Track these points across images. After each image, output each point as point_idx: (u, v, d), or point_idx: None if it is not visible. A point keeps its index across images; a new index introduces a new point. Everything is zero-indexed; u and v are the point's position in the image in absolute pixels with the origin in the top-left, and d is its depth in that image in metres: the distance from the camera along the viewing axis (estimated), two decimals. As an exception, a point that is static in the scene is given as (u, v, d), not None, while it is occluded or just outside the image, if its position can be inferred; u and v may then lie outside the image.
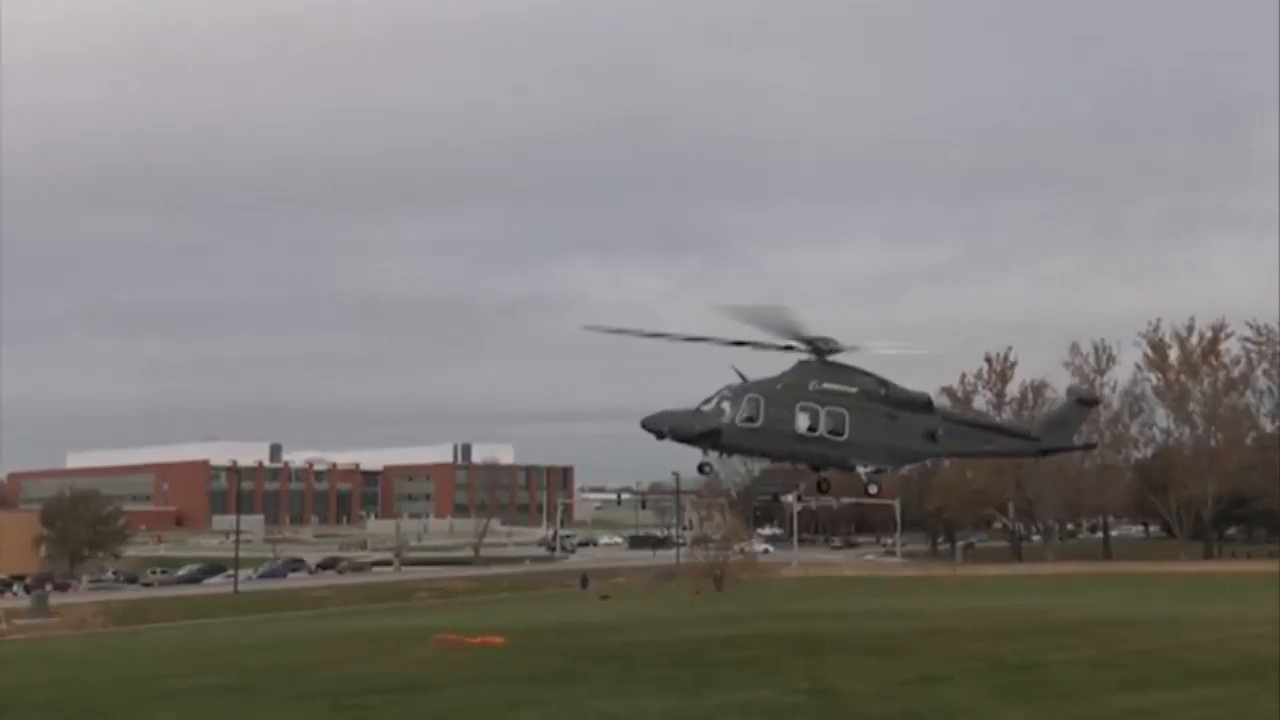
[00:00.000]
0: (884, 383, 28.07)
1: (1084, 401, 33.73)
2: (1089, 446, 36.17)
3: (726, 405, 26.85)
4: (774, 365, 27.93)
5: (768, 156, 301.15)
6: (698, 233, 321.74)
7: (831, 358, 27.64)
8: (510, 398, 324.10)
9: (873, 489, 28.70)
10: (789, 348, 27.42)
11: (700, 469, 29.11)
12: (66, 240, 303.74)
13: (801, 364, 27.64)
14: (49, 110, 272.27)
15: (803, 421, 27.06)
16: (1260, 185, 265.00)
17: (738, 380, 27.33)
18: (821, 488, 33.02)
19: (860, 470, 27.98)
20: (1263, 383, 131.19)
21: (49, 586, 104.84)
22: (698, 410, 26.98)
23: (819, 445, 27.41)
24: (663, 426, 27.01)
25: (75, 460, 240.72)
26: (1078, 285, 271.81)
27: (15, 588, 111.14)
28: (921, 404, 28.88)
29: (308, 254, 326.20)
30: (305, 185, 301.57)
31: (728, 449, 28.46)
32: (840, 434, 27.24)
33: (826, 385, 27.36)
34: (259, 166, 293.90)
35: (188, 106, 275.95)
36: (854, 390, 27.56)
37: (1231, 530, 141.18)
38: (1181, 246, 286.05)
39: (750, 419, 26.80)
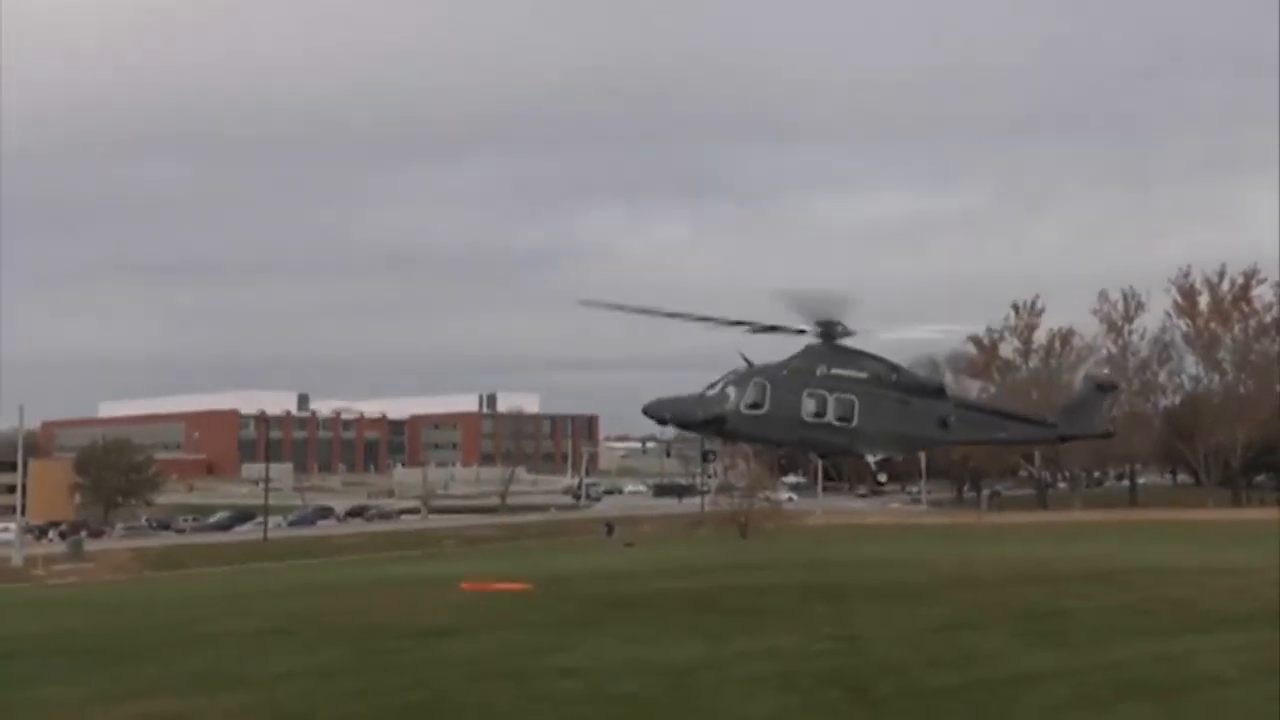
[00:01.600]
0: (895, 368, 27.34)
1: (1103, 387, 32.43)
2: (1108, 435, 35.46)
3: (731, 391, 26.17)
4: (781, 349, 27.08)
5: (797, 100, 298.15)
6: (725, 179, 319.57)
7: (841, 341, 26.79)
8: (535, 347, 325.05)
9: (882, 477, 28.16)
10: (800, 331, 26.54)
11: (704, 457, 28.78)
12: (96, 189, 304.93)
13: (809, 348, 26.82)
14: (86, 58, 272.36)
15: (809, 408, 26.26)
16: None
17: (743, 364, 26.54)
18: (829, 474, 32.65)
19: (869, 459, 27.35)
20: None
21: (84, 533, 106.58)
22: (701, 396, 26.32)
23: (826, 432, 26.58)
24: (665, 414, 26.45)
25: (107, 409, 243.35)
26: (1109, 231, 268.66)
27: (51, 534, 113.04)
28: (933, 389, 28.25)
29: (335, 204, 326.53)
30: (333, 134, 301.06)
31: (732, 436, 27.76)
32: (848, 421, 26.42)
33: (835, 371, 26.54)
34: (287, 115, 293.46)
35: (219, 54, 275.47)
36: (863, 376, 26.73)
37: (1260, 478, 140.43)
38: (1215, 190, 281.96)
39: (755, 405, 26.06)
